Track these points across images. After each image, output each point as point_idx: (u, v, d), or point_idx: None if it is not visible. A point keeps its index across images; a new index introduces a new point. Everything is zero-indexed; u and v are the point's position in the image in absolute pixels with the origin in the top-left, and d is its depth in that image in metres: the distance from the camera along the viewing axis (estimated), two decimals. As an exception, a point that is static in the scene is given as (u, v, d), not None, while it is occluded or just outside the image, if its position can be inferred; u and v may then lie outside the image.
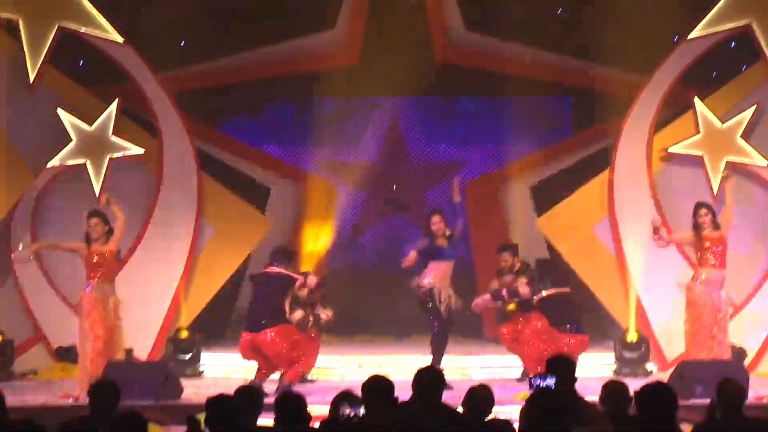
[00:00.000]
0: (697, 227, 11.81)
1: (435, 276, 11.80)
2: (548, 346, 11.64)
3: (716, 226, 11.85)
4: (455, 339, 14.74)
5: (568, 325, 11.88)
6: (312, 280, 11.66)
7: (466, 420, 6.64)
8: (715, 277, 11.74)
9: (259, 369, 11.43)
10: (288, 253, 11.83)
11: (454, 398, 7.03)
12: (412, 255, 11.78)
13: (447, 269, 11.90)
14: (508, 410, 8.78)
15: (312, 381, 12.20)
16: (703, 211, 11.88)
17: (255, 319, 11.33)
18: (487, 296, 12.22)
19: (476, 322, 15.31)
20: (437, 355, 11.84)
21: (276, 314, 11.26)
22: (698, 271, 11.85)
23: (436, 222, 11.87)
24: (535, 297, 11.94)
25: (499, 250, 12.47)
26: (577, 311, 12.08)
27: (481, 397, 6.83)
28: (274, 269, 11.48)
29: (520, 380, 12.00)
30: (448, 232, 11.88)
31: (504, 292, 12.02)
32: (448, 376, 7.60)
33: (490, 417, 7.08)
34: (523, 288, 11.90)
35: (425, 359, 11.79)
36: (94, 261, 11.58)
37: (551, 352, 11.32)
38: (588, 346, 11.97)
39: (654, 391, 5.93)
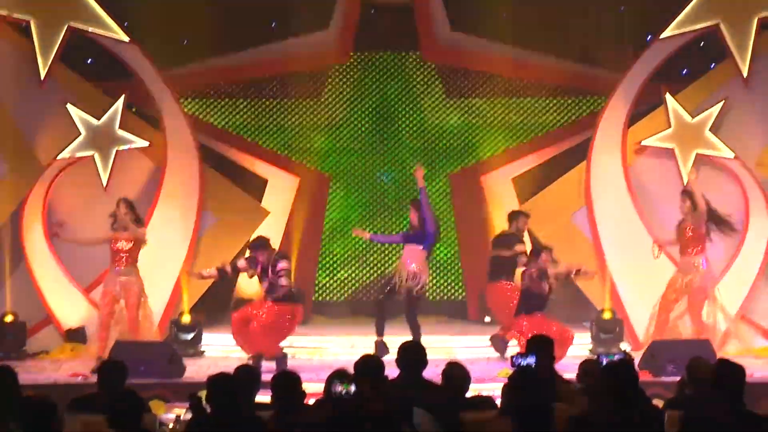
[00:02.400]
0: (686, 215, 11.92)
1: (409, 261, 11.84)
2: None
3: (694, 207, 11.91)
4: (441, 320, 14.82)
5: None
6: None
7: (450, 396, 6.66)
8: (702, 262, 11.92)
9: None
10: (255, 243, 11.78)
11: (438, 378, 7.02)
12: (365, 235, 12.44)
13: (412, 253, 11.87)
14: (491, 387, 8.82)
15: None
16: (680, 199, 11.97)
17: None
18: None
19: (461, 304, 15.36)
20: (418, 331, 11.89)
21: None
22: (686, 259, 11.94)
23: (411, 212, 11.96)
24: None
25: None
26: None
27: (455, 374, 6.83)
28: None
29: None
30: (416, 222, 11.93)
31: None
32: (434, 356, 7.59)
33: (473, 394, 7.11)
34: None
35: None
36: (122, 247, 11.68)
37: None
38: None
39: (615, 367, 5.98)
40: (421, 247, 11.85)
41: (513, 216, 12.75)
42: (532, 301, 11.64)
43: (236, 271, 11.91)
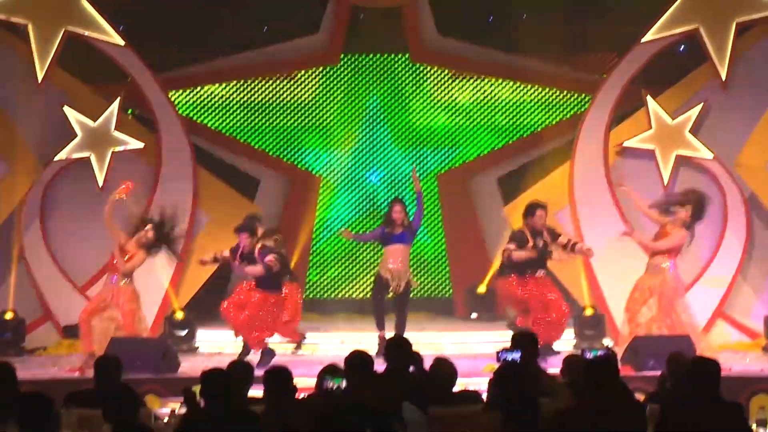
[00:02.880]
0: (675, 219, 11.85)
1: (393, 260, 11.81)
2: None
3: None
4: (429, 316, 14.82)
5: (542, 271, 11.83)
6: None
7: (437, 390, 6.67)
8: (670, 266, 11.94)
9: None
10: (241, 225, 11.76)
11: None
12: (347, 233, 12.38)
13: (402, 251, 11.85)
14: (477, 382, 8.83)
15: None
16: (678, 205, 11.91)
17: None
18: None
19: (448, 301, 15.37)
20: (403, 326, 11.88)
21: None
22: (655, 262, 11.91)
23: (398, 211, 11.88)
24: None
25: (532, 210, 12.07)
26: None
27: (442, 370, 6.83)
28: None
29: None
30: (406, 222, 11.87)
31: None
32: (422, 352, 7.59)
33: (460, 388, 7.12)
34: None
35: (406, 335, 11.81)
36: (124, 256, 11.56)
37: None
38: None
39: (598, 362, 6.01)
40: (406, 246, 11.87)
41: (524, 211, 12.17)
42: (527, 264, 11.69)
43: (220, 261, 11.96)
